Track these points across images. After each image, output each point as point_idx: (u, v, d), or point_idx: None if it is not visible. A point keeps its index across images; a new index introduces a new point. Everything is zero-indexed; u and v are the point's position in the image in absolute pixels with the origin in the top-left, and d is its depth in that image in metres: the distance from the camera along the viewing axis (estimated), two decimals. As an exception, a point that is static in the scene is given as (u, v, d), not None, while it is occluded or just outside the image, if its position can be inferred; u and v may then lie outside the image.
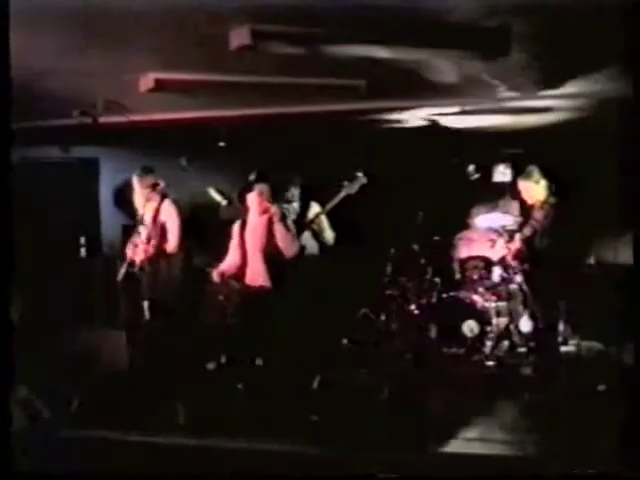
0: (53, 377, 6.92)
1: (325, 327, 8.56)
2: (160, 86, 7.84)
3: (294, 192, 9.03)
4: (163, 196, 8.46)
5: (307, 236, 8.82)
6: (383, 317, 9.35)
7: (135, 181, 8.47)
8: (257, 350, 7.56)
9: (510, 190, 9.79)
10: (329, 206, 8.86)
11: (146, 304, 8.02)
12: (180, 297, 8.69)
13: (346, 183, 8.82)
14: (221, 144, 9.77)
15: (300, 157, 9.87)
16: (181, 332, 8.30)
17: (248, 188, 8.11)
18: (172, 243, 8.33)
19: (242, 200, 8.21)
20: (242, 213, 8.19)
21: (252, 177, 8.21)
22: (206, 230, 10.47)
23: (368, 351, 8.90)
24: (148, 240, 8.22)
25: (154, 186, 8.34)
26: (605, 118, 7.95)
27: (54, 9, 5.68)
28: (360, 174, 8.81)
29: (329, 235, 8.98)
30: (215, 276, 8.08)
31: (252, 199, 8.02)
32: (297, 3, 5.74)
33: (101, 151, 10.40)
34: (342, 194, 8.78)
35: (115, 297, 8.24)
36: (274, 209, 7.92)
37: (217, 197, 9.68)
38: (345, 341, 9.11)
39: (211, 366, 7.90)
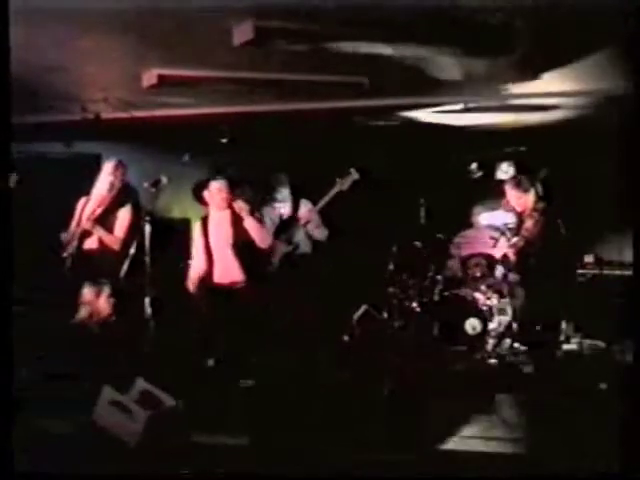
0: (52, 376, 6.87)
1: (326, 323, 8.55)
2: (163, 82, 7.81)
3: (286, 189, 8.99)
4: (123, 197, 8.27)
5: (301, 233, 8.82)
6: (385, 314, 9.33)
7: (109, 166, 8.28)
8: (255, 348, 7.54)
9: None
10: (322, 203, 8.84)
11: (147, 300, 7.98)
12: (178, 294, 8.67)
13: (338, 180, 8.81)
14: (224, 141, 9.75)
15: (304, 154, 9.86)
16: (181, 328, 8.30)
17: (203, 186, 8.07)
18: (116, 237, 8.11)
19: (198, 198, 8.15)
20: (203, 211, 8.16)
21: (209, 174, 8.17)
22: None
23: (369, 348, 8.88)
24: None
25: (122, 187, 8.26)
26: (607, 117, 7.93)
27: (57, 4, 5.70)
28: (352, 170, 8.81)
29: (322, 232, 8.94)
30: (191, 287, 8.05)
31: (211, 195, 7.94)
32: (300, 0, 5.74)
33: (103, 147, 10.38)
34: (334, 190, 8.77)
35: (117, 292, 8.18)
36: (241, 204, 7.85)
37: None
38: (346, 338, 9.10)
39: (211, 362, 7.88)
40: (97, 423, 5.95)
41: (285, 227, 8.81)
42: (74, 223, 8.19)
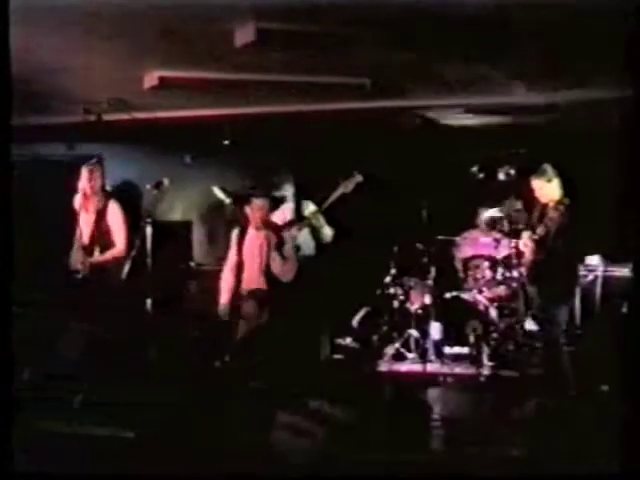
0: (54, 376, 6.89)
1: (328, 326, 8.54)
2: (165, 84, 7.81)
3: (289, 191, 8.99)
4: (108, 197, 8.18)
5: (305, 234, 8.84)
6: (386, 316, 9.32)
7: (85, 173, 8.11)
8: (258, 349, 7.53)
9: (514, 189, 9.75)
10: (325, 204, 8.82)
11: (149, 301, 7.98)
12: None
13: (341, 182, 8.80)
14: (226, 142, 9.74)
15: (306, 156, 9.86)
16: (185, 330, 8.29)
17: (246, 198, 8.06)
18: (120, 247, 8.03)
19: (241, 208, 8.16)
20: (242, 222, 8.17)
21: (250, 188, 8.14)
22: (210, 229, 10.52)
23: (370, 350, 8.88)
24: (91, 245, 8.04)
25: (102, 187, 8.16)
26: (608, 118, 7.90)
27: (59, 5, 5.67)
28: (356, 172, 8.80)
29: (327, 232, 8.92)
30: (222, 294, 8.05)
31: (252, 212, 7.94)
32: (302, 1, 5.73)
33: (105, 149, 10.38)
34: (338, 192, 8.76)
35: (118, 294, 8.16)
36: (272, 236, 7.85)
37: (221, 196, 9.63)
38: (348, 340, 9.09)
39: (217, 364, 7.87)
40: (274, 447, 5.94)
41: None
42: (76, 237, 8.19)
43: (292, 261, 7.89)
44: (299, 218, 8.86)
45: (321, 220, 8.85)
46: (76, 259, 8.11)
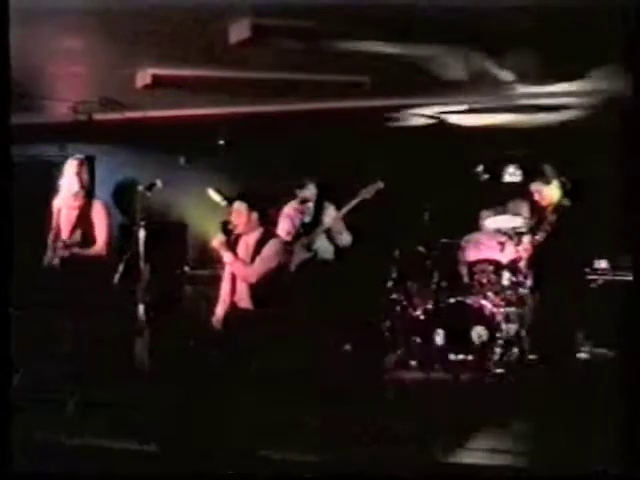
0: (52, 379, 6.91)
1: (328, 331, 8.41)
2: (158, 82, 7.77)
3: (312, 192, 8.84)
4: (94, 196, 8.01)
5: (322, 239, 8.78)
6: (388, 322, 9.17)
7: (74, 164, 7.91)
8: (257, 353, 7.38)
9: (520, 191, 9.65)
10: (344, 210, 8.72)
11: (142, 307, 7.82)
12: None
13: (363, 190, 8.69)
14: (221, 142, 9.64)
15: (300, 156, 9.87)
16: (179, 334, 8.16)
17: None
18: (99, 244, 7.80)
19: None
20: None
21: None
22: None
23: (372, 356, 8.78)
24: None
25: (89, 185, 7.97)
26: (612, 117, 7.81)
27: (52, 6, 5.72)
28: (377, 179, 8.69)
29: (347, 238, 8.85)
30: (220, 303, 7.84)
31: (234, 217, 7.72)
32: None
33: (97, 149, 10.31)
34: (358, 198, 8.67)
35: (112, 298, 8.05)
36: (218, 237, 7.58)
37: (216, 198, 9.52)
38: (348, 346, 8.95)
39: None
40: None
41: (306, 232, 8.73)
42: (52, 234, 7.99)
43: (259, 263, 7.58)
44: (317, 222, 8.82)
45: (341, 225, 8.79)
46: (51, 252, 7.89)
